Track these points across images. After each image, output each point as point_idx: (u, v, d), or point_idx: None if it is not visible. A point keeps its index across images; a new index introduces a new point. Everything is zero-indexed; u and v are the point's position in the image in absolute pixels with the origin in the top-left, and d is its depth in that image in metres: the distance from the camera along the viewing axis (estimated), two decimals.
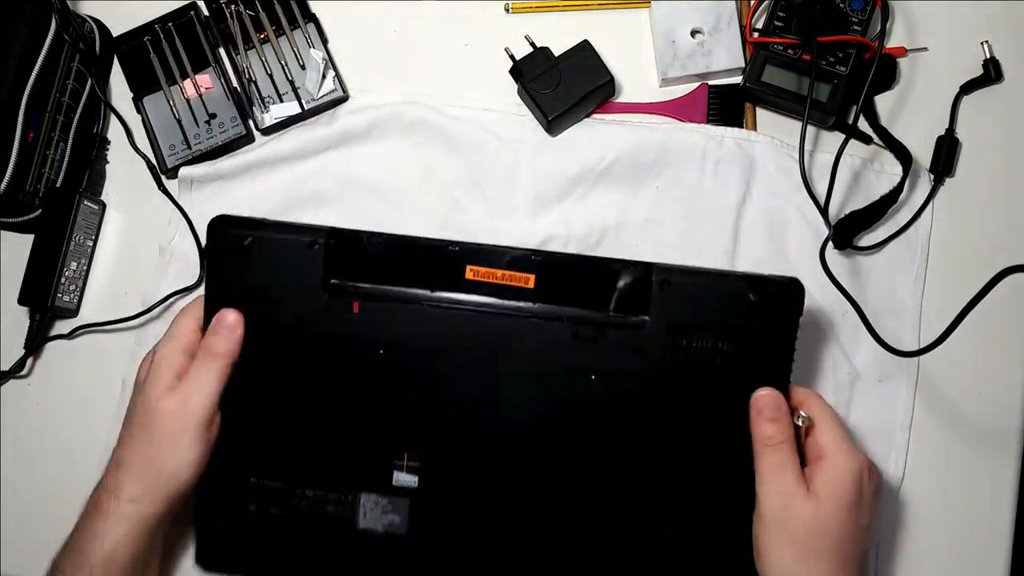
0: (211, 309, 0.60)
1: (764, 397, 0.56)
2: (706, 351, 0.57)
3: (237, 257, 0.59)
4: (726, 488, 0.58)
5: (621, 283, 0.58)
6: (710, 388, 0.57)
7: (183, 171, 0.71)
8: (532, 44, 0.72)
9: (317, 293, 0.58)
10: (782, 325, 0.57)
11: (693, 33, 0.73)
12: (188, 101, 0.72)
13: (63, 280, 0.69)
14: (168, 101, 0.72)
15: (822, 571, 0.53)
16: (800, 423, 0.56)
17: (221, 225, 0.59)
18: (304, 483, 0.60)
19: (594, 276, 0.58)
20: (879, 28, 0.69)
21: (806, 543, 0.53)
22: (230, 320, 0.58)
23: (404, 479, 0.60)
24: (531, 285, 0.58)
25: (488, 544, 0.60)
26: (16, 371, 0.70)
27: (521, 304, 0.58)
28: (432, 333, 0.58)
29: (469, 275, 0.58)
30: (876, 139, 0.71)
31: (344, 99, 0.73)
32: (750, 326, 0.57)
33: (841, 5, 0.71)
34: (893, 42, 0.73)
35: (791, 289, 0.57)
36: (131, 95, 0.73)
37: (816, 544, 0.53)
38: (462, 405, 0.59)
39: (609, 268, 0.58)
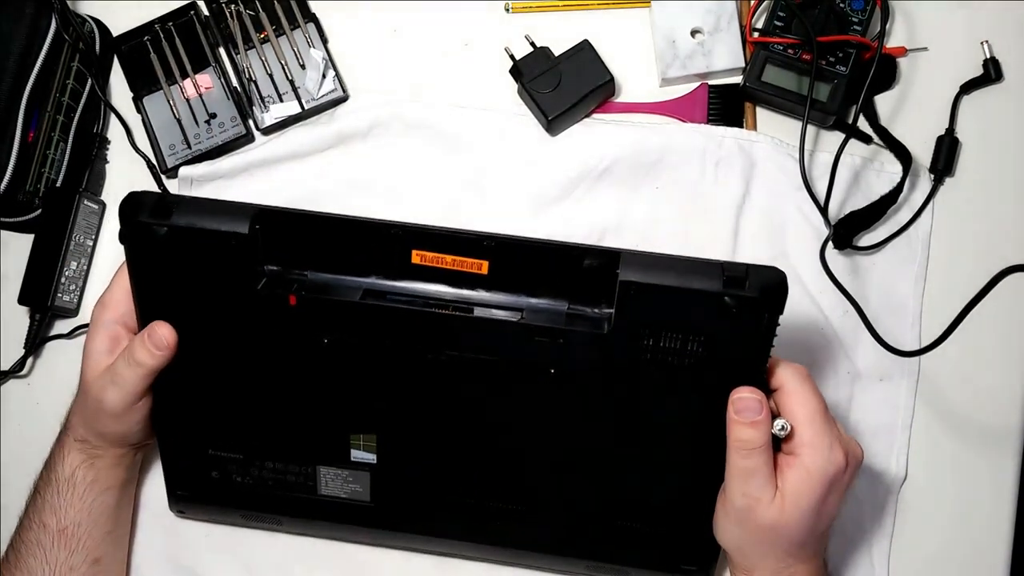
0: (139, 301, 0.56)
1: (746, 399, 0.52)
2: (675, 351, 0.52)
3: (155, 249, 0.53)
4: (688, 487, 0.56)
5: (585, 272, 0.52)
6: (678, 388, 0.53)
7: (183, 171, 0.71)
8: (532, 44, 0.72)
9: (248, 287, 0.53)
10: (762, 320, 0.51)
11: (693, 33, 0.73)
12: (188, 101, 0.72)
13: (63, 280, 0.69)
14: (168, 101, 0.72)
15: (776, 558, 0.53)
16: (779, 432, 0.52)
17: (132, 209, 0.53)
18: (262, 456, 0.59)
19: (556, 263, 0.53)
20: (879, 28, 0.69)
21: (763, 537, 0.53)
22: (159, 337, 0.55)
23: (361, 456, 0.58)
24: (485, 271, 0.53)
25: (450, 514, 0.60)
26: (16, 371, 0.70)
27: (472, 292, 0.54)
28: (374, 325, 0.53)
29: (415, 260, 0.53)
30: (876, 139, 0.71)
31: (344, 99, 0.73)
32: (725, 322, 0.51)
33: (841, 5, 0.71)
34: (893, 42, 0.73)
35: (773, 281, 0.50)
36: (131, 95, 0.73)
37: (773, 539, 0.53)
38: (412, 394, 0.56)
39: (571, 255, 0.53)
